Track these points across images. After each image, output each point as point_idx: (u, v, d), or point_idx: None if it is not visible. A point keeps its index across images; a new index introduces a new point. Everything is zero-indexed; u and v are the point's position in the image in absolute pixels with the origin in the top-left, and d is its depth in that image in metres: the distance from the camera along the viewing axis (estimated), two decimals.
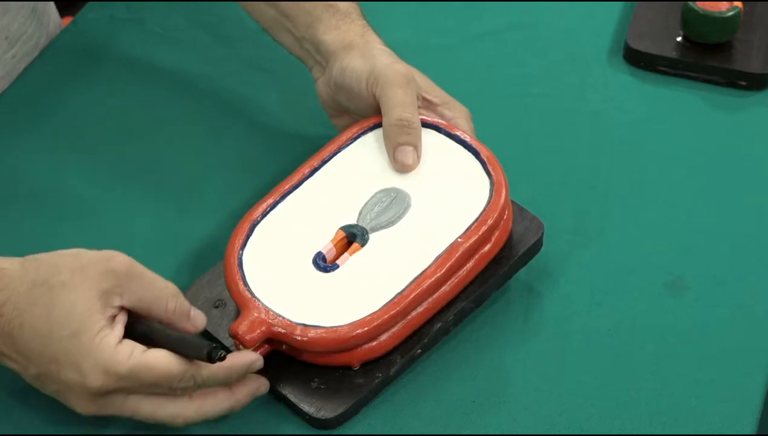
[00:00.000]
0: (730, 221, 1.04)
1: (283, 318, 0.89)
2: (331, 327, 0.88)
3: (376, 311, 0.89)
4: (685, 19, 1.17)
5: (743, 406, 0.91)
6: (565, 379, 0.92)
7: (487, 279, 0.95)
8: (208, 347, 0.83)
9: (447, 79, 1.04)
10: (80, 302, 0.83)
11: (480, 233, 0.93)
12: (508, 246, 0.96)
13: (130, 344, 0.83)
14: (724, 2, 1.16)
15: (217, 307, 0.93)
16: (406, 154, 0.97)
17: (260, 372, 0.89)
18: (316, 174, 0.97)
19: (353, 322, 0.88)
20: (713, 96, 1.16)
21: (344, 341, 0.88)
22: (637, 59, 1.18)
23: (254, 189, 1.04)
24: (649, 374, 0.93)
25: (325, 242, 0.93)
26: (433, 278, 0.91)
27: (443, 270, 0.91)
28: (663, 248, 1.02)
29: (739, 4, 1.16)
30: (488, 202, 0.94)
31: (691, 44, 1.18)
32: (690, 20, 1.17)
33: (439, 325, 0.92)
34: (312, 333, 0.88)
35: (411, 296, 0.90)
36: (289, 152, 1.08)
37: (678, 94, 1.16)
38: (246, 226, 0.94)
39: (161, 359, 0.83)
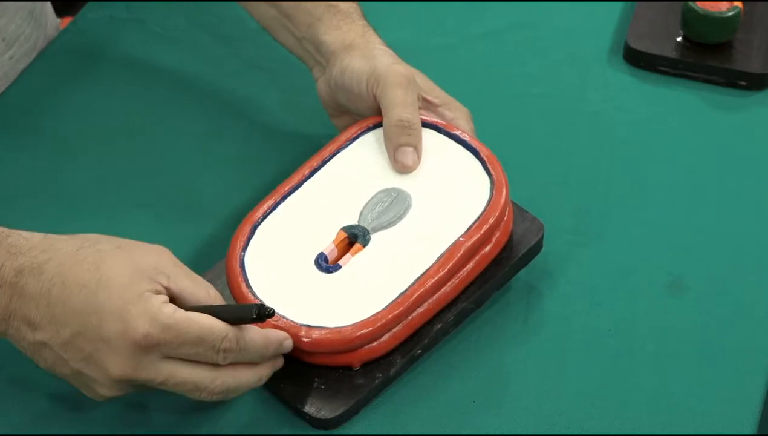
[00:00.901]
0: (730, 221, 1.04)
1: (287, 319, 0.89)
2: (335, 328, 0.88)
3: (380, 312, 0.89)
4: (685, 19, 1.17)
5: (743, 406, 0.91)
6: (565, 379, 0.92)
7: (488, 280, 0.95)
8: (255, 306, 0.83)
9: (447, 79, 1.04)
10: (132, 264, 0.83)
11: (481, 232, 0.93)
12: (508, 247, 0.96)
13: (174, 305, 0.83)
14: (724, 2, 1.16)
15: None
16: (407, 154, 0.97)
17: None
18: (317, 174, 0.97)
19: (357, 323, 0.88)
20: (713, 96, 1.16)
21: (348, 342, 0.88)
22: (637, 59, 1.18)
23: (254, 189, 1.04)
24: (649, 374, 0.93)
25: (326, 242, 0.93)
26: (435, 278, 0.91)
27: (446, 270, 0.91)
28: (663, 248, 1.02)
29: (739, 4, 1.16)
30: (489, 201, 0.94)
31: (691, 44, 1.18)
32: (690, 20, 1.17)
33: (440, 325, 0.92)
34: (316, 334, 0.88)
35: (414, 296, 0.90)
36: (290, 152, 1.08)
37: (678, 94, 1.16)
38: (247, 227, 0.94)
39: (207, 317, 0.83)
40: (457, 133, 0.99)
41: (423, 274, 0.91)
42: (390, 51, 1.01)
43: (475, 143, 0.98)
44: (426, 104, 1.01)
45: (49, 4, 1.25)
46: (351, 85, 1.00)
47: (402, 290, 0.90)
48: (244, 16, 1.12)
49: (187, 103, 1.15)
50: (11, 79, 1.17)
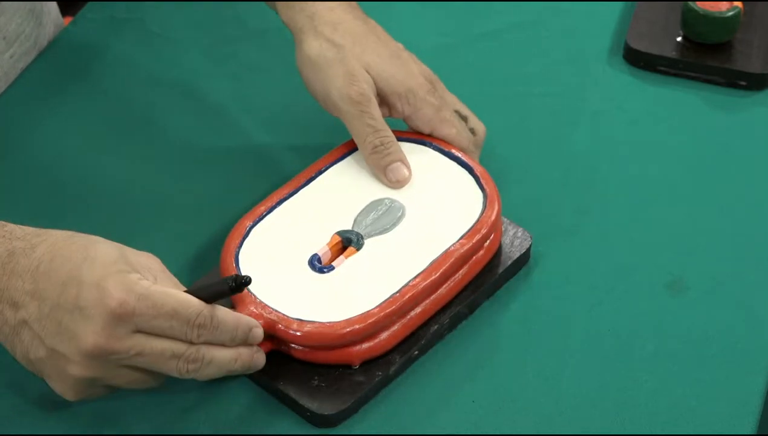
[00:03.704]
0: (730, 220, 1.04)
1: (279, 312, 0.89)
2: (327, 322, 0.89)
3: (372, 309, 0.90)
4: (685, 19, 1.17)
5: (743, 406, 0.91)
6: (565, 379, 0.92)
7: (480, 286, 0.96)
8: (232, 276, 0.85)
9: (447, 79, 1.04)
10: (121, 252, 0.85)
11: (474, 242, 0.94)
12: (498, 255, 0.97)
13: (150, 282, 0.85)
14: (724, 2, 1.16)
15: None
16: (396, 170, 0.98)
17: (261, 369, 0.89)
18: (312, 183, 0.99)
19: (349, 318, 0.89)
20: (713, 96, 1.16)
21: (340, 337, 0.89)
22: (637, 59, 1.18)
23: (254, 191, 1.04)
24: (649, 374, 0.93)
25: (320, 245, 0.94)
26: (428, 281, 0.92)
27: (438, 273, 0.92)
28: (663, 248, 1.02)
29: (739, 4, 1.16)
30: (481, 213, 0.95)
31: (691, 44, 1.18)
32: (690, 20, 1.17)
33: (435, 327, 0.93)
34: (308, 327, 0.88)
35: (406, 297, 0.91)
36: (290, 154, 1.08)
37: (678, 94, 1.16)
38: (242, 227, 0.95)
39: (183, 293, 0.84)
40: (452, 150, 1.00)
41: (415, 276, 0.92)
42: (335, 46, 1.01)
43: (468, 160, 0.99)
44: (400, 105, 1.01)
45: (53, 3, 1.25)
46: (315, 96, 1.01)
47: (394, 290, 0.91)
48: (244, 16, 1.12)
49: (186, 103, 1.15)
50: (11, 78, 1.17)
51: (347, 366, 0.90)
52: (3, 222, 0.89)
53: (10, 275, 0.85)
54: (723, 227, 1.04)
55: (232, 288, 0.85)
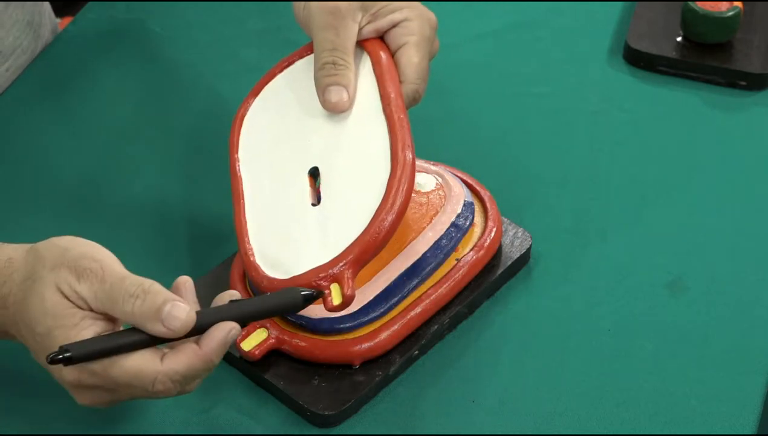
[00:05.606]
0: (730, 221, 1.04)
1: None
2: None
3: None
4: (685, 19, 1.17)
5: (743, 406, 0.91)
6: (565, 379, 0.92)
7: (480, 286, 0.96)
8: (297, 294, 0.83)
9: (447, 79, 1.05)
10: (48, 298, 0.80)
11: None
12: (498, 255, 0.97)
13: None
14: (724, 2, 1.16)
15: None
16: (335, 92, 0.92)
17: (261, 369, 0.90)
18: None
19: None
20: (713, 96, 1.16)
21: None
22: (637, 59, 1.18)
23: None
24: (649, 374, 0.93)
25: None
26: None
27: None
28: (663, 248, 1.02)
29: (739, 4, 1.16)
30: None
31: (691, 44, 1.18)
32: (690, 20, 1.17)
33: (435, 327, 0.93)
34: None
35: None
36: None
37: (678, 94, 1.16)
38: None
39: (134, 360, 0.80)
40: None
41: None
42: None
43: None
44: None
45: (48, 8, 1.25)
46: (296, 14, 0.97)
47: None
48: (244, 16, 1.12)
49: (186, 103, 1.15)
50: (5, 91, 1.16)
51: (347, 366, 0.90)
52: None
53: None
54: (722, 227, 1.04)
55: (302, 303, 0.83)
